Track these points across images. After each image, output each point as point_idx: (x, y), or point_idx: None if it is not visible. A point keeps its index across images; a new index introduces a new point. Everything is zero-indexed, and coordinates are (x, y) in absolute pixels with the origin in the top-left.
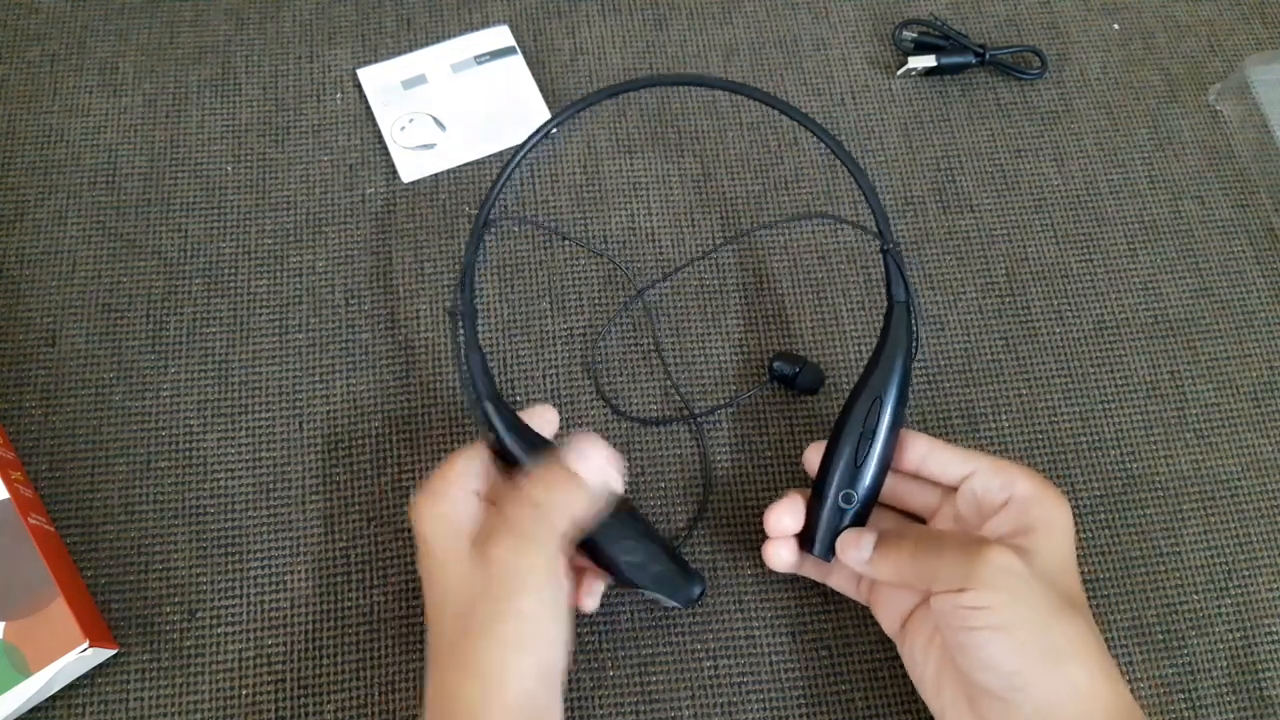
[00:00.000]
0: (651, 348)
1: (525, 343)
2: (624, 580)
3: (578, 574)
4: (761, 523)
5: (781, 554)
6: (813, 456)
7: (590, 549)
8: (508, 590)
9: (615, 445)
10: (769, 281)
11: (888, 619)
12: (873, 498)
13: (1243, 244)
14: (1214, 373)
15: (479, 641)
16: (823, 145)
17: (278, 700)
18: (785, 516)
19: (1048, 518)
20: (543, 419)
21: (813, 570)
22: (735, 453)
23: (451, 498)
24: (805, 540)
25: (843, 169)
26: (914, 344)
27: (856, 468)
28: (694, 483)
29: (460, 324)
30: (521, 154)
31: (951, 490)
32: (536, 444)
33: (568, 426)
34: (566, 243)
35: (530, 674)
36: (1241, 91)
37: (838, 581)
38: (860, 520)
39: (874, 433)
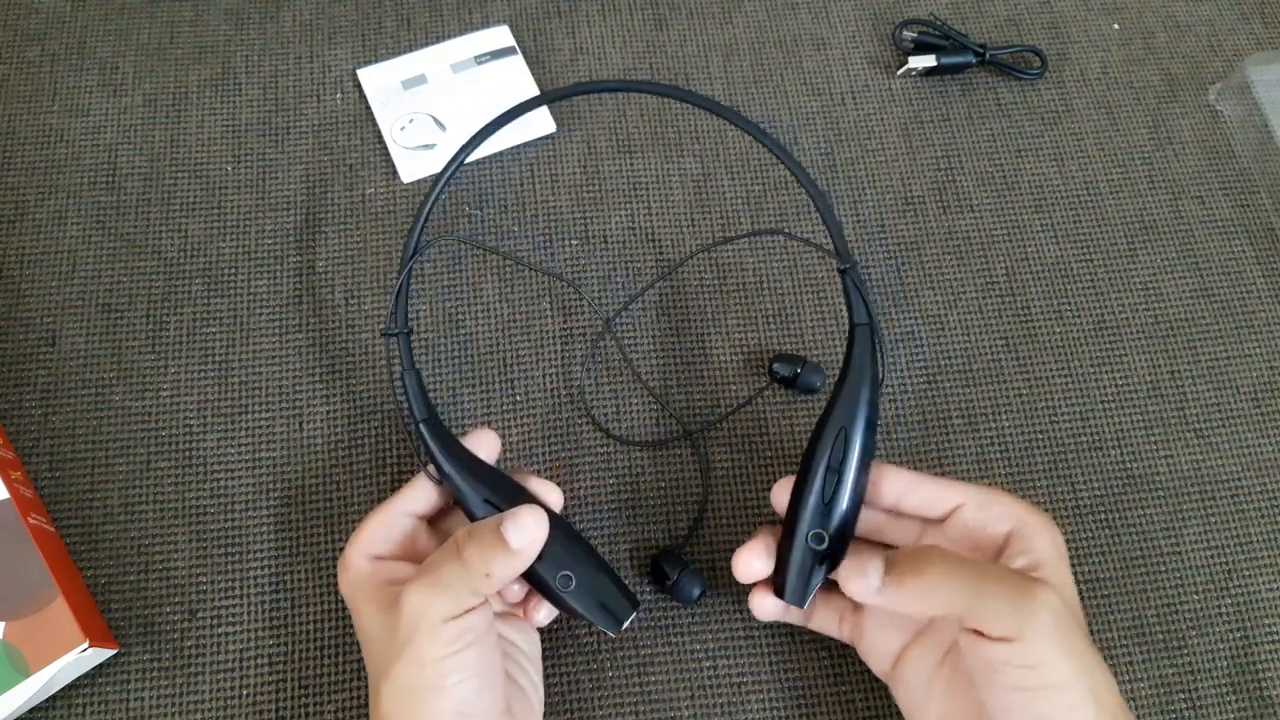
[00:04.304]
0: (629, 367)
1: (525, 343)
2: (558, 607)
3: (526, 590)
4: (761, 524)
5: (765, 605)
6: (780, 494)
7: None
8: (410, 634)
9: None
10: (769, 282)
11: (878, 659)
12: (846, 536)
13: (1243, 244)
14: (1214, 373)
15: (388, 688)
16: (820, 146)
17: (278, 700)
18: (755, 560)
19: (1050, 547)
20: (484, 442)
21: (794, 616)
22: (735, 453)
23: (355, 565)
24: (776, 586)
25: (840, 168)
26: (879, 368)
27: (826, 505)
28: (694, 483)
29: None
30: (443, 181)
31: (934, 522)
32: (479, 474)
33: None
34: (559, 250)
35: (446, 719)
36: (1241, 91)
37: (819, 623)
38: (834, 561)
39: (841, 466)
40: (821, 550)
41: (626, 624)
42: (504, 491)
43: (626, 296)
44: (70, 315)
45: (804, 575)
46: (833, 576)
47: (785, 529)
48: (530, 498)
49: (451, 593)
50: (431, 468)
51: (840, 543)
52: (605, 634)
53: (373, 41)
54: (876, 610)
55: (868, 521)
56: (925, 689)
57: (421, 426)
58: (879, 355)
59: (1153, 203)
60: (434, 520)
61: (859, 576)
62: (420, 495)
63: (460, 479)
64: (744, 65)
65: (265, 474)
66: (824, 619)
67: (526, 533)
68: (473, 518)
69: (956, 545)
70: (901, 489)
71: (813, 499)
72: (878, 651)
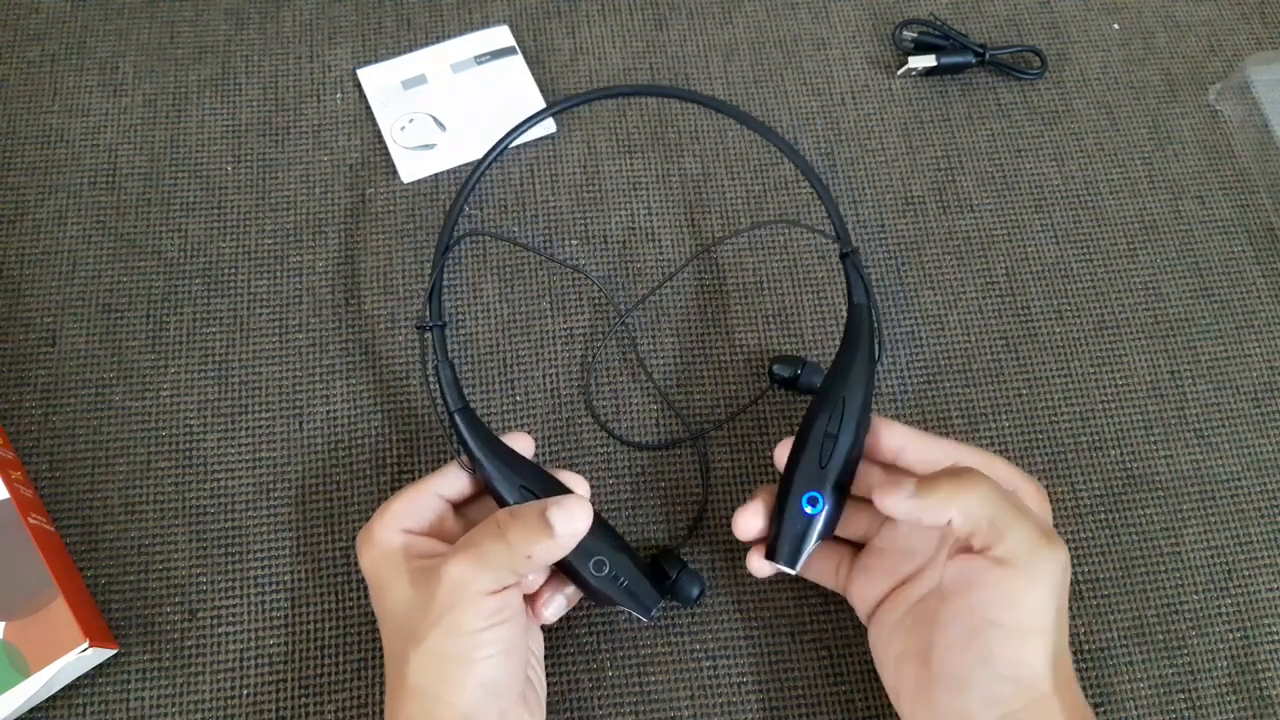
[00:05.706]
0: (639, 363)
1: (525, 343)
2: (588, 593)
3: (540, 585)
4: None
5: (763, 565)
6: (782, 453)
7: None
8: (449, 605)
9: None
10: (769, 281)
11: (862, 604)
12: (840, 501)
13: (1243, 244)
14: (1214, 373)
15: (417, 657)
16: (820, 146)
17: (278, 700)
18: (754, 519)
19: (1038, 507)
20: (518, 444)
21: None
22: (735, 453)
23: (384, 537)
24: (769, 548)
25: (840, 168)
26: (877, 345)
27: (821, 469)
28: (694, 484)
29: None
30: (477, 173)
31: None
32: (513, 462)
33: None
34: (558, 251)
35: (472, 691)
36: (1241, 91)
37: (817, 574)
38: (829, 526)
39: (838, 434)
40: (816, 512)
41: (655, 612)
42: (538, 480)
43: (626, 295)
44: (70, 315)
45: (797, 539)
46: (869, 497)
47: (780, 490)
48: (562, 487)
49: (493, 568)
50: (464, 458)
51: (835, 507)
52: (605, 634)
53: (373, 41)
54: (867, 561)
55: (863, 478)
56: (891, 630)
57: (456, 416)
58: (877, 333)
59: (1153, 203)
60: (459, 506)
61: (894, 489)
62: (451, 480)
63: (496, 465)
64: (744, 65)
65: (265, 474)
66: (822, 569)
67: (572, 521)
68: (503, 504)
69: None
70: (901, 442)
71: (808, 463)
72: (864, 598)
